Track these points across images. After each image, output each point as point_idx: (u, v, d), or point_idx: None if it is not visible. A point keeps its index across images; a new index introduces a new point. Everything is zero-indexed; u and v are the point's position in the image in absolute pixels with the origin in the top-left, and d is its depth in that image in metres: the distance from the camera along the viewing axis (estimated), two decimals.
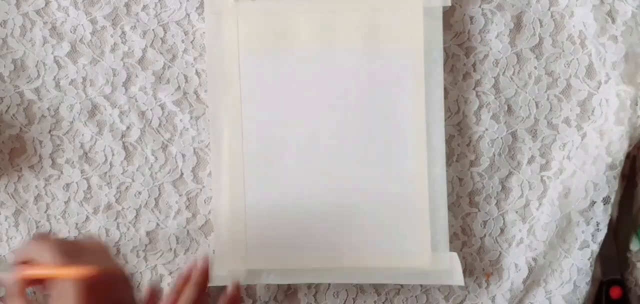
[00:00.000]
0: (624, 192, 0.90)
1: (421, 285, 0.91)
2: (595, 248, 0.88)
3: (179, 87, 0.89)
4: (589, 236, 0.88)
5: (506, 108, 0.88)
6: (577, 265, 0.89)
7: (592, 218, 0.88)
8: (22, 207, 0.91)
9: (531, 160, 0.89)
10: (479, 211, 0.90)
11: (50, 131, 0.90)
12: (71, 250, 0.73)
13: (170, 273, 0.91)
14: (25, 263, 0.74)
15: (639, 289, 0.91)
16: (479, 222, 0.90)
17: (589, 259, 0.89)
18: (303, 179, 0.88)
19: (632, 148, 0.88)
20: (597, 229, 0.88)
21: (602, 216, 0.88)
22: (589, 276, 0.89)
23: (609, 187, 0.87)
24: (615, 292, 0.90)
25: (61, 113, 0.89)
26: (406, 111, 0.87)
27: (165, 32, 0.89)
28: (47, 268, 0.72)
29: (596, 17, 0.86)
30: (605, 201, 0.87)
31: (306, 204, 0.89)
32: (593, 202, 0.87)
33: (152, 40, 0.89)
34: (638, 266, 0.91)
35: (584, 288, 0.89)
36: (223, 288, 0.88)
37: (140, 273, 0.91)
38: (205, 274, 0.89)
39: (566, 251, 0.89)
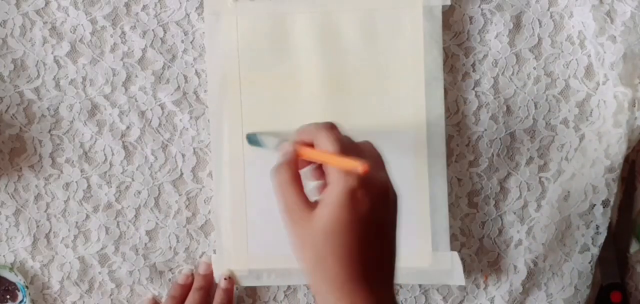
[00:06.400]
0: (623, 195, 0.90)
1: (420, 285, 0.91)
2: (595, 251, 0.88)
3: (178, 87, 0.89)
4: (589, 240, 0.88)
5: (505, 108, 0.88)
6: (577, 269, 0.89)
7: (591, 221, 0.88)
8: (22, 206, 0.91)
9: (529, 161, 0.89)
10: (478, 212, 0.90)
11: (50, 131, 0.90)
12: (350, 148, 0.70)
13: (170, 269, 0.91)
14: (305, 144, 0.72)
15: (639, 294, 0.91)
16: (478, 223, 0.90)
17: (589, 262, 0.89)
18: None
19: (630, 151, 0.88)
20: (597, 233, 0.88)
21: (602, 219, 0.88)
22: (589, 280, 0.89)
23: (608, 190, 0.87)
24: (615, 297, 0.90)
25: (61, 113, 0.90)
26: (406, 111, 0.87)
27: (165, 32, 0.89)
28: (327, 154, 0.69)
29: (595, 17, 0.86)
30: (605, 204, 0.87)
31: None
32: (593, 205, 0.87)
33: (152, 40, 0.89)
34: (638, 270, 0.90)
35: (585, 292, 0.89)
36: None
37: (139, 270, 0.91)
38: (208, 278, 0.90)
39: (566, 255, 0.89)
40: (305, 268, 0.69)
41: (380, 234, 0.69)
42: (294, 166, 0.71)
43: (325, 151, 0.69)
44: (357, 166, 0.65)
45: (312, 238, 0.67)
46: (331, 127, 0.71)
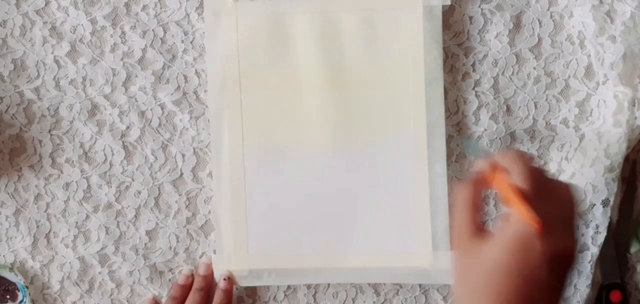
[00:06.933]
0: (623, 195, 0.90)
1: (420, 285, 0.91)
2: (595, 250, 0.88)
3: (178, 87, 0.89)
4: (589, 239, 0.88)
5: (505, 108, 0.88)
6: (577, 268, 0.89)
7: (591, 221, 0.88)
8: (22, 206, 0.91)
9: None
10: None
11: (50, 131, 0.90)
12: (541, 187, 0.66)
13: (170, 269, 0.91)
14: (495, 165, 0.70)
15: (639, 294, 0.91)
16: None
17: (589, 262, 0.89)
18: (303, 178, 0.88)
19: (630, 150, 0.88)
20: (597, 232, 0.88)
21: (602, 218, 0.88)
22: (589, 279, 0.89)
23: (608, 190, 0.87)
24: (615, 296, 0.89)
25: (61, 113, 0.90)
26: (406, 111, 0.87)
27: (165, 32, 0.89)
28: (511, 190, 0.65)
29: (595, 17, 0.86)
30: (605, 203, 0.87)
31: (306, 204, 0.89)
32: (592, 205, 0.87)
33: (152, 40, 0.89)
34: (638, 270, 0.90)
35: (584, 291, 0.89)
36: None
37: (139, 270, 0.91)
38: (208, 279, 0.90)
39: None
40: (457, 293, 0.67)
41: (544, 293, 0.64)
42: (476, 188, 0.69)
43: (510, 186, 0.66)
44: (532, 222, 0.62)
45: (473, 270, 0.65)
46: (528, 160, 0.68)
